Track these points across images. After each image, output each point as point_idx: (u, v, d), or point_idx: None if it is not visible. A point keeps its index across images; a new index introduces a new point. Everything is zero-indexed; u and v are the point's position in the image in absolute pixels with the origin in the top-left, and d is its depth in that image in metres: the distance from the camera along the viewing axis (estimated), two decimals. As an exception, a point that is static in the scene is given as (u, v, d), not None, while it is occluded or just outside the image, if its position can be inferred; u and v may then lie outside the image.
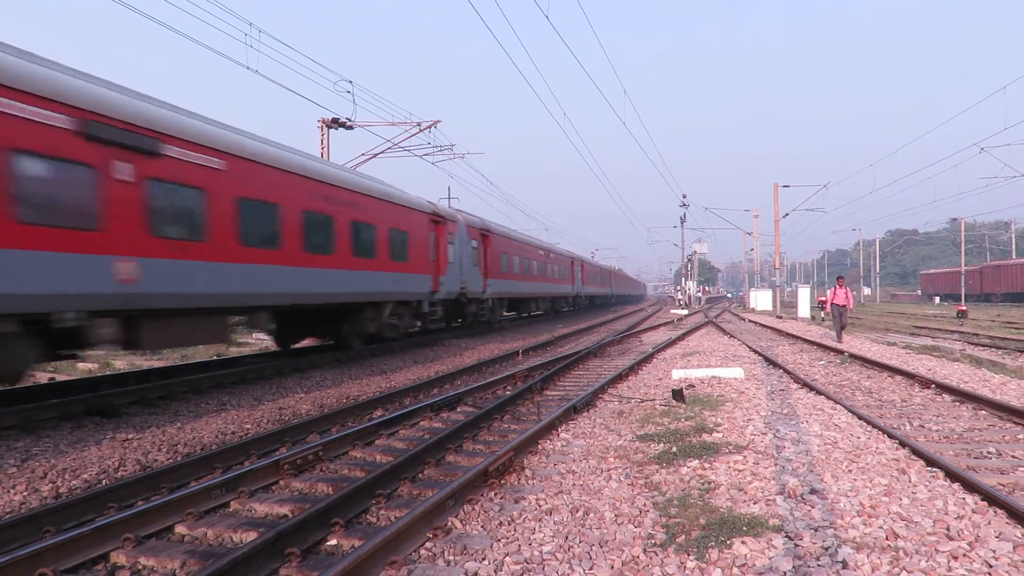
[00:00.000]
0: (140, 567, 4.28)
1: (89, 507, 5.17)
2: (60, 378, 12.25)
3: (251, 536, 4.64)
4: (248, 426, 8.42)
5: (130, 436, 7.61)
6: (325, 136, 22.47)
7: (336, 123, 22.41)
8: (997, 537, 4.08)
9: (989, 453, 6.50)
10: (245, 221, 10.39)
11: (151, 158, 8.67)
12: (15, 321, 7.34)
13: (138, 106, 8.70)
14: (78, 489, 5.90)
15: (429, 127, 23.33)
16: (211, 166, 9.71)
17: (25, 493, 5.68)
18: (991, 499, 4.75)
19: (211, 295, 9.80)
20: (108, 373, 12.80)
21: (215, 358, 15.36)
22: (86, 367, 14.40)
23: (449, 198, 41.03)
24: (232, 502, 5.42)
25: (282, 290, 11.38)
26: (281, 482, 5.97)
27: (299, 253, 11.85)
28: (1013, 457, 6.35)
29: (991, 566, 3.68)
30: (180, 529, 4.87)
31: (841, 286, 19.24)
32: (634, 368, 13.09)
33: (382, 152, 23.81)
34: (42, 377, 12.50)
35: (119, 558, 4.36)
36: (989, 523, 4.34)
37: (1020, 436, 7.14)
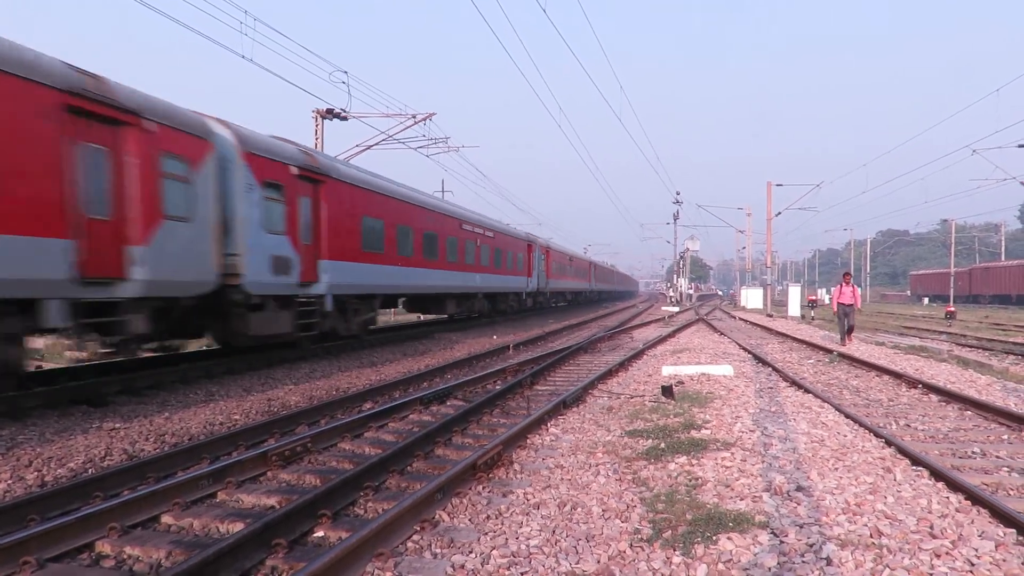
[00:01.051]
0: (125, 556, 4.26)
1: (74, 496, 5.15)
2: (47, 366, 12.17)
3: (238, 527, 4.62)
4: (237, 417, 8.39)
5: (117, 425, 7.58)
6: (319, 127, 22.36)
7: (331, 114, 22.30)
8: (980, 536, 4.12)
9: (974, 453, 6.56)
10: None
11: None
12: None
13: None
14: (63, 478, 5.86)
15: (424, 119, 23.25)
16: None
17: (10, 481, 5.65)
18: (975, 498, 4.80)
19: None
20: (96, 362, 12.71)
21: (204, 348, 15.28)
22: (75, 355, 14.29)
23: (443, 191, 40.92)
24: (219, 493, 5.40)
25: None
26: (269, 473, 5.95)
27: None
28: (997, 457, 6.41)
29: (973, 564, 3.72)
30: (166, 519, 4.85)
31: (848, 283, 17.46)
32: (624, 364, 13.12)
33: (376, 144, 23.72)
34: (29, 365, 12.40)
35: (104, 547, 4.34)
36: (972, 522, 4.38)
37: (1004, 436, 7.20)
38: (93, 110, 8.19)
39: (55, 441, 6.85)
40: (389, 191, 16.63)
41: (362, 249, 14.95)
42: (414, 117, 23.12)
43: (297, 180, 12.58)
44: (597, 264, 57.94)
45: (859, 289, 18.26)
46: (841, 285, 17.60)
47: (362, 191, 15.08)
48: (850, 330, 17.40)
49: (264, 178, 11.60)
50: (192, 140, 9.97)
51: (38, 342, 15.59)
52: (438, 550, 4.15)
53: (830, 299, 18.24)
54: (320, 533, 4.55)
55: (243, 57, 14.82)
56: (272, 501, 5.23)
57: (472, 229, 22.66)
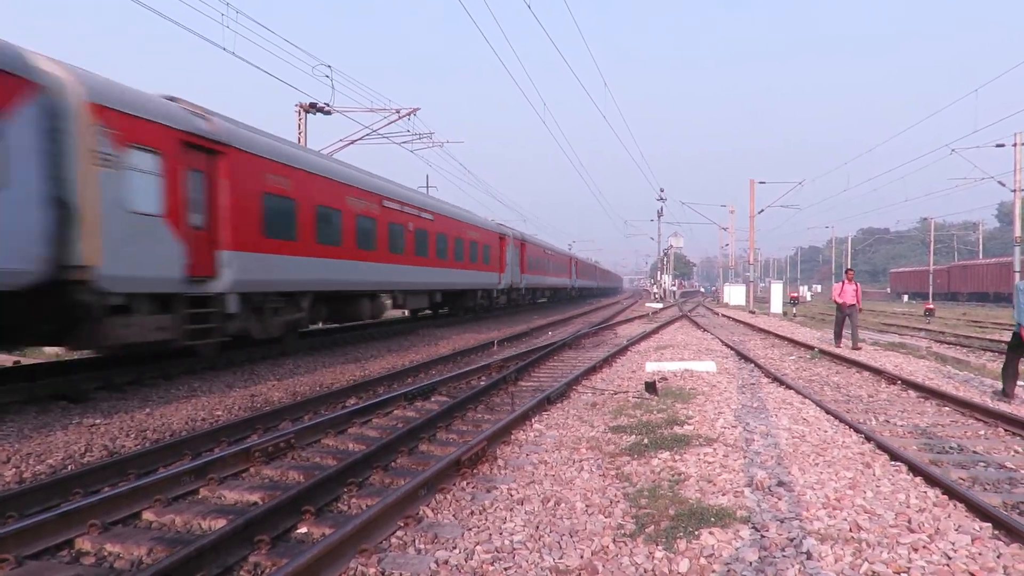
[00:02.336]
0: (106, 553, 4.22)
1: (54, 493, 5.08)
2: (26, 361, 11.99)
3: (220, 523, 4.59)
4: (219, 413, 8.33)
5: (97, 421, 7.49)
6: (302, 121, 22.18)
7: (314, 108, 22.12)
8: (956, 530, 4.19)
9: (951, 448, 6.66)
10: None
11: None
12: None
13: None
14: (43, 474, 5.79)
15: (408, 114, 23.14)
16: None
17: (-13, 478, 5.57)
18: (952, 493, 4.87)
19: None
20: (76, 357, 12.55)
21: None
22: (53, 351, 14.10)
23: (427, 187, 40.77)
24: (201, 489, 5.36)
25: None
26: (252, 469, 5.92)
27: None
28: (974, 452, 6.51)
29: (950, 558, 3.78)
30: (147, 515, 4.81)
31: (850, 280, 15.83)
32: (608, 360, 13.17)
33: (360, 139, 23.58)
34: (7, 360, 12.23)
35: (84, 544, 4.29)
36: (949, 516, 4.45)
37: (981, 432, 7.32)
38: None
39: (34, 437, 6.76)
40: (305, 162, 13.31)
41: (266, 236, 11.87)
42: (398, 112, 23.01)
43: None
44: (579, 259, 57.14)
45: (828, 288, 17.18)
46: (843, 283, 16.02)
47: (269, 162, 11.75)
48: (849, 333, 15.95)
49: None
50: None
51: None
52: (422, 546, 4.15)
53: (835, 293, 16.13)
54: (303, 529, 4.53)
55: (224, 49, 14.65)
56: (255, 497, 5.20)
57: (419, 213, 19.27)
